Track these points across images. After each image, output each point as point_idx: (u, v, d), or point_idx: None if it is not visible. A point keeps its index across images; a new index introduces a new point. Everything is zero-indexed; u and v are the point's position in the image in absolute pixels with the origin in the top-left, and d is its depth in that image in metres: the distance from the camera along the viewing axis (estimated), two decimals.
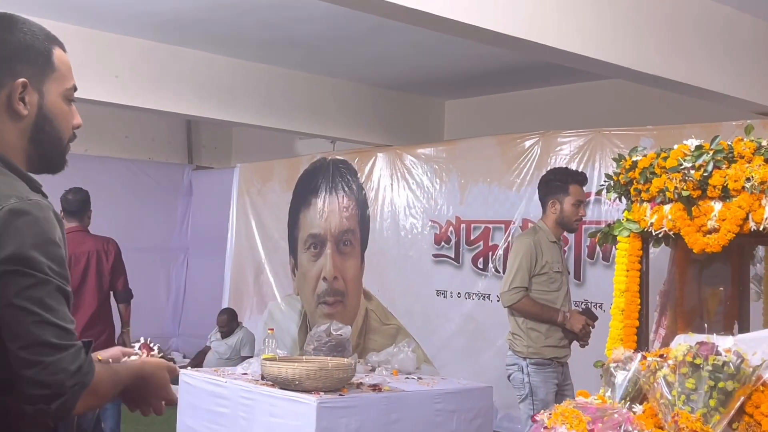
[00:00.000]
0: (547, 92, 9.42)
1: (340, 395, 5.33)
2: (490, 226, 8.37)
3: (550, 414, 2.78)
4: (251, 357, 8.90)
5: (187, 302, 11.82)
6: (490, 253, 8.33)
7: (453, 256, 8.65)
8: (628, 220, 3.18)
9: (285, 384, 5.34)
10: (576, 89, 9.14)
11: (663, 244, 3.19)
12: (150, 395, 1.76)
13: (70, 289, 1.54)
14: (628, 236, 3.18)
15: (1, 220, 1.49)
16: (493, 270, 8.27)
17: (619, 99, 8.76)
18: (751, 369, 2.67)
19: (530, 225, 6.28)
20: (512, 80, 9.18)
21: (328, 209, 9.96)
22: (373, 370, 6.26)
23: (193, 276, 11.88)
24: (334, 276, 9.82)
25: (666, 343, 3.30)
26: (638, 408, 2.84)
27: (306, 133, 9.78)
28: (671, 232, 2.98)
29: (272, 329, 6.75)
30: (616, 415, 2.69)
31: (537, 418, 2.81)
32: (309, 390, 5.27)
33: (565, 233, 5.26)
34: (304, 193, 10.25)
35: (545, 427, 2.61)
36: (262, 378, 5.68)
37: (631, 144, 7.29)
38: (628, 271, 3.17)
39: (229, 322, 8.91)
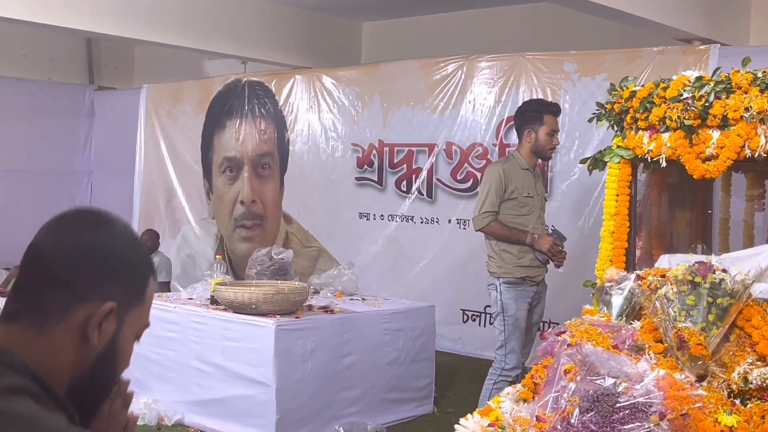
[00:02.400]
0: (470, 15, 9.52)
1: (296, 318, 5.42)
2: (414, 149, 8.51)
3: (560, 332, 2.96)
4: (168, 282, 8.87)
5: None
6: (414, 176, 8.48)
7: (376, 179, 8.76)
8: (619, 146, 3.36)
9: (240, 308, 5.37)
10: (499, 13, 9.27)
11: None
12: None
13: None
14: (619, 162, 3.35)
15: None
16: (416, 193, 8.45)
17: (542, 23, 8.96)
18: (743, 286, 2.91)
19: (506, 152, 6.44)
20: (432, 3, 9.22)
21: (244, 132, 9.85)
22: (316, 292, 6.35)
23: (98, 200, 11.55)
24: (252, 199, 9.78)
25: (642, 261, 3.52)
26: (636, 324, 3.06)
27: (215, 53, 9.55)
28: (667, 159, 3.17)
29: (220, 254, 6.73)
30: (623, 331, 2.90)
31: (548, 336, 3.00)
32: (265, 313, 5.33)
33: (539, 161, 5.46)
34: (217, 115, 10.07)
35: (569, 345, 2.79)
36: (212, 302, 5.70)
37: (555, 69, 7.57)
38: (618, 195, 3.36)
39: (152, 243, 8.77)
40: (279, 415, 5.22)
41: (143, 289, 1.40)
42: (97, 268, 1.33)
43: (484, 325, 7.94)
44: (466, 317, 8.12)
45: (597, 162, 3.48)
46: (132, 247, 1.40)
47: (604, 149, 3.50)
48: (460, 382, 6.63)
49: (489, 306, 7.46)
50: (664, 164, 3.19)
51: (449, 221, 8.24)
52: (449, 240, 8.22)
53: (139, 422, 5.54)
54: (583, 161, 3.64)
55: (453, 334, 8.04)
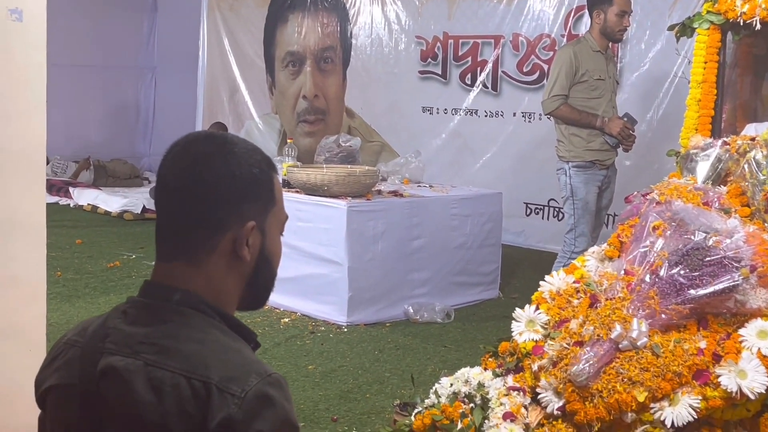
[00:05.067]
0: None
1: (367, 200, 5.50)
2: (479, 41, 8.41)
3: (646, 193, 2.98)
4: None
5: (157, 122, 11.70)
6: (479, 69, 8.41)
7: (440, 72, 8.70)
8: (709, 12, 3.30)
9: (312, 190, 5.47)
10: None
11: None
12: None
13: None
14: (708, 28, 3.30)
15: (248, 405, 1.28)
16: (481, 86, 8.39)
17: None
18: None
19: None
20: None
21: (307, 26, 9.81)
22: (384, 179, 6.42)
23: (162, 95, 11.70)
24: (315, 94, 9.81)
25: (727, 133, 3.49)
26: (722, 188, 3.06)
27: None
28: (762, 21, 3.11)
29: (291, 138, 6.80)
30: (710, 194, 2.90)
31: (633, 198, 3.02)
32: (336, 195, 5.42)
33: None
34: (279, 8, 10.03)
35: (657, 203, 2.81)
36: (284, 185, 5.80)
37: None
38: (706, 63, 3.32)
39: None
40: (351, 293, 5.35)
41: (272, 193, 1.45)
42: (231, 197, 1.38)
43: (547, 219, 7.96)
44: (529, 211, 8.15)
45: (685, 29, 3.43)
46: (254, 160, 1.42)
47: (693, 15, 3.44)
48: (524, 271, 6.70)
49: (553, 199, 7.50)
50: (758, 27, 3.13)
51: (514, 114, 8.19)
52: (513, 133, 8.19)
53: None
54: (671, 28, 3.58)
55: (516, 228, 8.08)
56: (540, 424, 2.64)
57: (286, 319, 5.45)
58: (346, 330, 5.30)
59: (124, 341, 1.35)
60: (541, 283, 2.96)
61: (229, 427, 1.26)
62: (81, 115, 10.65)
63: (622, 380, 2.53)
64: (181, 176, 1.40)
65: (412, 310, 5.55)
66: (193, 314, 1.37)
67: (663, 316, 2.60)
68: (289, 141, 6.33)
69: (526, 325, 2.84)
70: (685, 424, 2.48)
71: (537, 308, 2.85)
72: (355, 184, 5.45)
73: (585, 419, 2.55)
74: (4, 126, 2.88)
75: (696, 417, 2.47)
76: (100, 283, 6.12)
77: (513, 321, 2.88)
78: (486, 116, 8.41)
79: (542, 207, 8.04)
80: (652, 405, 2.51)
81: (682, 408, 2.48)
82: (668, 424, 2.48)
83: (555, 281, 2.92)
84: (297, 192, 5.61)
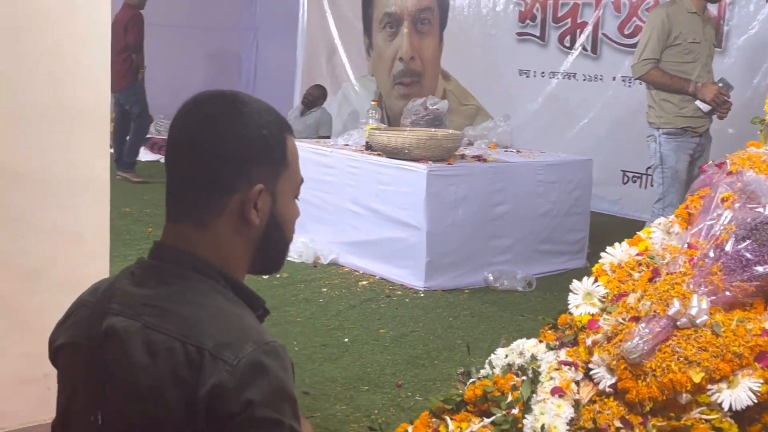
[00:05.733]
0: None
1: (448, 164, 5.41)
2: (579, 2, 8.13)
3: (720, 162, 2.80)
4: (328, 137, 9.04)
5: (258, 83, 11.84)
6: (578, 31, 8.14)
7: (538, 34, 8.47)
8: None
9: (393, 153, 5.42)
10: None
11: None
12: None
13: None
14: None
15: (240, 374, 1.24)
16: (580, 48, 8.12)
17: None
18: None
19: None
20: None
21: None
22: (470, 144, 6.31)
23: (263, 56, 11.83)
24: (411, 56, 9.72)
25: None
26: None
27: None
28: None
29: (376, 101, 6.77)
30: None
31: (707, 168, 2.84)
32: (417, 159, 5.35)
33: (708, 4, 5.08)
34: None
35: (729, 173, 2.64)
36: (367, 148, 5.77)
37: None
38: None
39: (317, 97, 8.94)
40: (429, 257, 5.30)
41: (284, 156, 1.39)
42: (238, 159, 1.34)
43: (645, 187, 7.68)
44: (626, 178, 7.89)
45: None
46: (264, 121, 1.38)
47: None
48: (616, 241, 6.47)
49: (651, 167, 7.21)
50: None
51: (614, 78, 7.91)
52: (613, 98, 7.91)
53: (297, 260, 5.78)
54: None
55: (612, 196, 7.83)
56: (591, 401, 2.53)
57: (364, 282, 5.45)
58: (422, 295, 5.25)
59: (128, 302, 1.34)
60: (602, 254, 2.83)
61: (219, 395, 1.23)
62: (184, 76, 10.86)
63: (678, 359, 2.39)
64: (189, 136, 1.38)
65: (492, 278, 5.46)
66: (197, 278, 1.34)
67: (727, 293, 2.44)
68: (372, 103, 6.29)
69: (583, 298, 2.72)
70: (744, 408, 2.33)
71: (596, 281, 2.72)
72: (436, 148, 5.37)
73: (637, 398, 2.43)
74: (68, 83, 2.93)
75: (756, 401, 2.32)
76: None
77: (570, 293, 2.77)
78: (584, 80, 8.16)
79: (640, 175, 7.76)
80: (709, 387, 2.37)
81: (741, 391, 2.33)
82: (725, 407, 2.33)
83: (617, 253, 2.78)
84: (378, 155, 5.57)
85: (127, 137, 8.77)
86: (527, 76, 8.60)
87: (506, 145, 6.32)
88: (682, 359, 2.40)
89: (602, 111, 7.97)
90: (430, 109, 6.37)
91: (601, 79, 8.01)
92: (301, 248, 5.80)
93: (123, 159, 8.66)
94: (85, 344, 1.36)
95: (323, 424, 3.48)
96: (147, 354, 1.27)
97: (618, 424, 2.44)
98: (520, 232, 5.67)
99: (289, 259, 5.84)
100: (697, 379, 2.36)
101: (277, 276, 5.48)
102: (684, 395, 2.39)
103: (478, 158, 5.72)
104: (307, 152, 6.08)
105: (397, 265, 5.44)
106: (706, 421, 2.38)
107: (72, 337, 1.40)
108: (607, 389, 2.52)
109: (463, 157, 5.70)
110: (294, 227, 1.46)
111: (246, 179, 1.35)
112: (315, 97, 9.15)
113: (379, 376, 4.02)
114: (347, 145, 6.09)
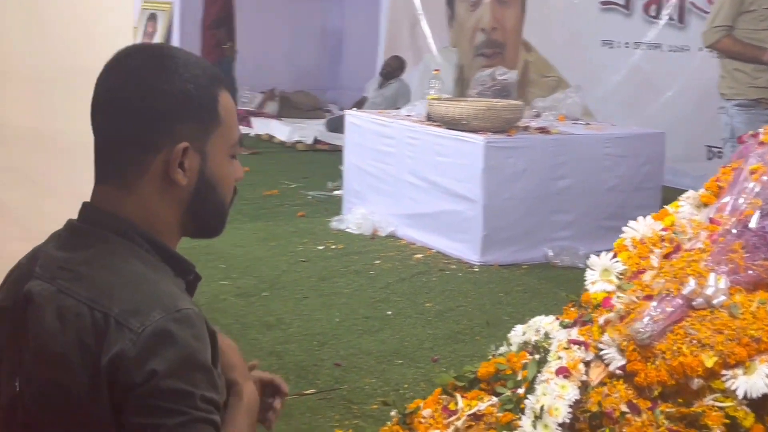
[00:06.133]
0: None
1: (508, 136, 5.25)
2: None
3: (757, 133, 2.59)
4: None
5: (343, 54, 11.82)
6: (664, 0, 7.78)
7: (623, 3, 8.14)
8: None
9: (452, 123, 5.29)
10: None
11: None
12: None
13: (216, 416, 1.23)
14: None
15: (143, 342, 1.17)
16: (666, 18, 7.76)
17: None
18: None
19: None
20: None
21: None
22: (538, 115, 6.10)
23: (349, 24, 11.78)
24: (493, 27, 9.51)
25: None
26: None
27: None
28: None
29: (438, 70, 6.64)
30: None
31: (745, 139, 2.63)
32: (476, 130, 5.21)
33: None
34: None
35: (761, 143, 2.43)
36: (428, 119, 5.66)
37: None
38: None
39: (395, 69, 8.86)
40: (485, 231, 5.17)
41: (215, 113, 1.31)
42: (160, 115, 1.27)
43: None
44: (711, 154, 7.50)
45: None
46: (190, 75, 1.29)
47: None
48: None
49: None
50: None
51: (700, 49, 7.47)
52: (699, 70, 7.50)
53: (356, 231, 5.73)
54: None
55: (696, 171, 7.44)
56: (601, 384, 2.39)
57: (419, 255, 5.36)
58: (477, 270, 5.13)
59: (47, 265, 1.30)
60: (624, 228, 2.66)
61: (120, 364, 1.17)
62: (267, 48, 10.92)
63: (690, 342, 2.22)
64: (111, 91, 1.31)
65: (552, 253, 5.28)
66: (117, 241, 1.28)
67: (749, 272, 2.25)
68: (435, 72, 6.16)
69: (600, 274, 2.57)
70: (760, 396, 2.16)
71: (614, 256, 2.56)
72: (495, 119, 5.21)
73: (645, 382, 2.27)
74: (89, 47, 2.93)
75: None
76: (252, 210, 6.28)
77: (587, 269, 2.62)
78: (670, 51, 7.79)
79: None
80: (723, 372, 2.19)
81: (758, 378, 2.15)
82: (740, 394, 2.16)
83: (640, 227, 2.61)
84: (438, 126, 5.45)
85: None
86: (611, 47, 8.28)
87: (576, 117, 6.09)
88: (694, 342, 2.23)
89: (688, 83, 7.60)
90: (498, 80, 6.20)
91: (687, 50, 7.63)
92: (359, 220, 5.75)
93: None
94: (10, 308, 1.32)
95: (348, 397, 3.43)
96: (57, 319, 1.22)
97: (624, 408, 2.29)
98: (583, 207, 5.46)
99: (347, 230, 5.88)
100: (709, 363, 2.20)
101: (332, 247, 5.45)
102: (696, 380, 2.23)
103: (542, 130, 5.53)
104: (367, 122, 6.01)
105: (454, 239, 5.33)
106: (720, 408, 2.21)
107: (2, 300, 1.37)
108: (617, 372, 2.37)
109: (526, 128, 5.52)
110: (231, 187, 1.37)
111: (170, 137, 1.26)
112: (393, 69, 9.06)
113: (416, 350, 3.94)
114: (409, 116, 5.99)
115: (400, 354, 3.87)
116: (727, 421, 2.18)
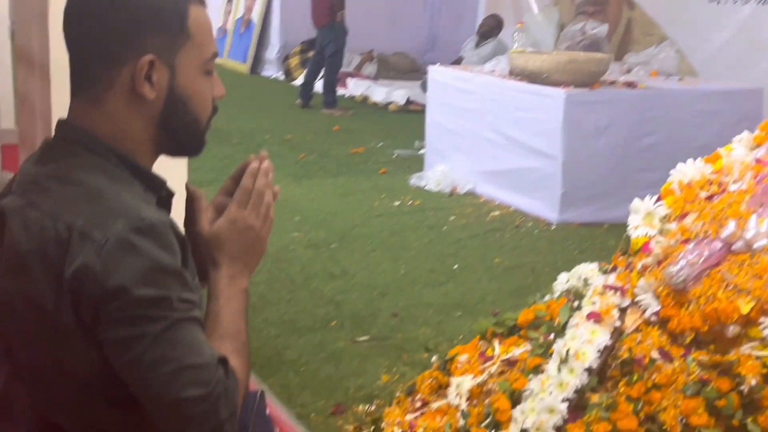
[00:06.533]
0: None
1: (591, 90, 5.07)
2: None
3: None
4: None
5: (443, 13, 11.68)
6: None
7: None
8: None
9: (533, 77, 5.15)
10: None
11: None
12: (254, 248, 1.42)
13: (197, 312, 1.23)
14: None
15: (107, 254, 1.16)
16: None
17: None
18: None
19: None
20: None
21: None
22: (629, 71, 5.88)
23: None
24: None
25: None
26: None
27: None
28: None
29: (522, 23, 6.46)
30: None
31: None
32: (558, 83, 5.05)
33: None
34: None
35: None
36: (510, 73, 5.52)
37: None
38: None
39: (492, 28, 8.71)
40: (564, 189, 5.03)
41: (183, 25, 1.28)
42: (125, 27, 1.26)
43: None
44: None
45: None
46: None
47: None
48: None
49: None
50: None
51: None
52: None
53: (435, 189, 5.68)
54: None
55: None
56: (636, 331, 2.28)
57: (496, 213, 5.26)
58: (554, 228, 5.00)
59: (21, 181, 1.32)
60: (671, 172, 2.52)
61: (85, 278, 1.17)
62: (367, 10, 10.90)
63: (726, 287, 2.09)
64: (79, 4, 1.31)
65: None
66: (85, 155, 1.28)
67: None
68: (518, 26, 6.00)
69: (643, 219, 2.45)
70: None
71: (658, 199, 2.44)
72: (577, 72, 5.04)
73: (678, 328, 2.15)
74: None
75: None
76: (336, 167, 6.31)
77: (631, 213, 2.50)
78: None
79: None
80: (761, 320, 2.05)
81: None
82: None
83: (688, 170, 2.47)
84: (520, 80, 5.31)
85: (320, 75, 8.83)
86: (718, 3, 7.86)
87: (669, 72, 5.83)
88: (731, 287, 2.10)
89: None
90: (587, 34, 6.00)
91: None
92: (439, 176, 5.69)
93: (324, 98, 8.72)
94: None
95: (401, 345, 3.40)
96: (23, 230, 1.24)
97: (656, 355, 2.18)
98: (671, 165, 5.18)
99: (425, 187, 5.83)
100: (745, 309, 2.06)
101: (409, 203, 5.41)
102: (731, 327, 2.09)
103: (629, 84, 5.31)
104: (450, 78, 5.92)
105: (532, 196, 5.20)
106: (757, 358, 2.07)
107: None
108: (652, 318, 2.26)
109: (612, 83, 5.31)
110: (207, 104, 1.35)
111: (135, 50, 1.26)
112: (490, 28, 8.90)
113: (477, 303, 3.87)
114: (493, 71, 5.86)
115: (461, 307, 3.81)
116: (764, 370, 2.05)
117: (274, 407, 2.90)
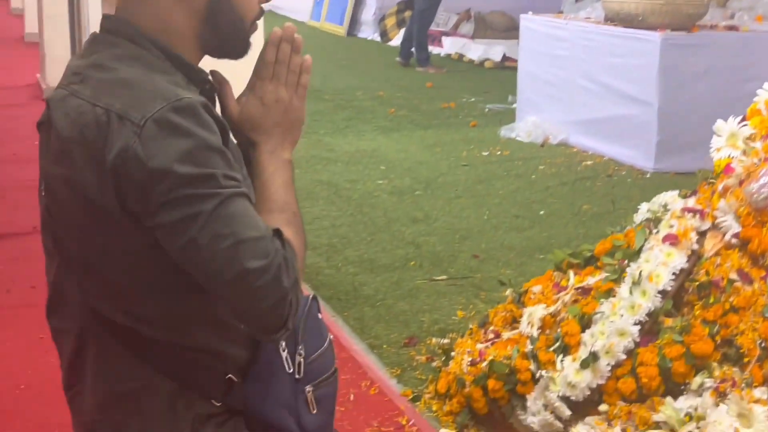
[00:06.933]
0: None
1: (688, 33, 4.85)
2: None
3: None
4: None
5: None
6: None
7: None
8: None
9: (628, 20, 4.95)
10: None
11: None
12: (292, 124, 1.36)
13: (244, 188, 1.19)
14: None
15: (147, 134, 1.14)
16: None
17: None
18: None
19: None
20: None
21: None
22: (732, 17, 5.60)
23: None
24: None
25: None
26: None
27: None
28: None
29: None
30: None
31: None
32: (654, 27, 4.85)
33: None
34: None
35: None
36: (605, 19, 5.34)
37: None
38: None
39: None
40: (660, 137, 4.85)
41: None
42: None
43: None
44: None
45: None
46: None
47: None
48: None
49: None
50: None
51: None
52: None
53: (526, 140, 5.56)
54: None
55: None
56: (716, 255, 2.16)
57: (589, 162, 5.11)
58: (649, 176, 4.83)
59: (67, 73, 1.32)
60: (758, 91, 2.38)
61: (126, 161, 1.15)
62: None
63: None
64: None
65: None
66: (126, 45, 1.26)
67: None
68: None
69: (726, 140, 2.33)
70: None
71: (743, 119, 2.30)
72: (675, 14, 4.82)
73: (759, 249, 2.04)
74: None
75: None
76: (425, 120, 6.25)
77: (714, 135, 2.38)
78: None
79: None
80: None
81: None
82: None
83: None
84: (615, 25, 5.13)
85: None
86: None
87: None
88: None
89: None
90: None
91: None
92: (530, 127, 5.57)
93: (416, 55, 8.61)
94: (45, 122, 1.36)
95: (479, 285, 3.35)
96: (64, 119, 1.23)
97: (734, 277, 2.07)
98: None
99: (516, 138, 5.71)
100: None
101: (497, 153, 5.32)
102: None
103: (731, 28, 5.06)
104: (542, 26, 5.77)
105: (626, 145, 5.03)
106: None
107: (42, 117, 1.42)
108: (732, 241, 2.14)
109: (712, 27, 5.07)
110: (253, 3, 1.31)
111: None
112: None
113: (561, 247, 3.69)
114: (588, 18, 5.68)
115: (544, 250, 3.71)
116: None
117: (347, 338, 2.90)
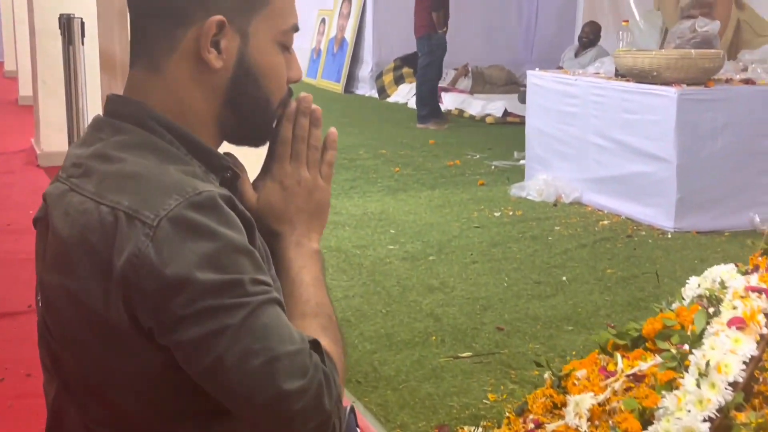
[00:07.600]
0: None
1: (705, 88, 4.71)
2: None
3: None
4: None
5: (539, 27, 11.38)
6: None
7: None
8: None
9: (641, 76, 4.82)
10: None
11: None
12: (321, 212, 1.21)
13: (275, 293, 1.02)
14: None
15: (161, 236, 0.96)
16: None
17: None
18: None
19: None
20: None
21: None
22: (745, 69, 5.48)
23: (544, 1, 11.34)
24: None
25: None
26: None
27: None
28: None
29: (626, 21, 6.13)
30: None
31: None
32: (669, 82, 4.71)
33: None
34: None
35: None
36: (616, 74, 5.21)
37: None
38: None
39: (590, 33, 8.39)
40: (680, 194, 4.68)
41: None
42: None
43: None
44: None
45: None
46: None
47: None
48: None
49: None
50: None
51: None
52: None
53: (538, 199, 5.39)
54: None
55: None
56: None
57: (605, 222, 4.93)
58: (670, 236, 4.64)
59: (66, 165, 1.13)
60: None
61: (138, 269, 0.95)
62: (462, 23, 10.67)
63: None
64: None
65: (758, 219, 4.66)
66: (133, 132, 1.08)
67: None
68: (623, 24, 5.67)
69: None
70: None
71: None
72: (690, 69, 4.68)
73: None
74: None
75: None
76: (431, 179, 6.08)
77: None
78: None
79: None
80: None
81: None
82: None
83: None
84: (626, 80, 4.99)
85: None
86: None
87: None
88: None
89: None
90: (698, 32, 5.64)
91: None
92: (541, 186, 5.40)
93: (417, 112, 8.45)
94: (41, 217, 1.16)
95: (507, 362, 3.13)
96: (64, 218, 1.05)
97: None
98: None
99: (528, 197, 5.54)
100: None
101: (510, 214, 5.13)
102: None
103: (747, 81, 4.92)
104: (550, 82, 5.64)
105: (645, 204, 4.86)
106: None
107: (38, 212, 1.22)
108: None
109: (728, 81, 4.94)
110: (282, 84, 1.14)
111: (204, 8, 1.06)
112: (590, 35, 8.57)
113: (589, 317, 3.56)
114: (597, 73, 5.55)
115: (572, 320, 3.51)
116: None
117: (371, 428, 2.68)
